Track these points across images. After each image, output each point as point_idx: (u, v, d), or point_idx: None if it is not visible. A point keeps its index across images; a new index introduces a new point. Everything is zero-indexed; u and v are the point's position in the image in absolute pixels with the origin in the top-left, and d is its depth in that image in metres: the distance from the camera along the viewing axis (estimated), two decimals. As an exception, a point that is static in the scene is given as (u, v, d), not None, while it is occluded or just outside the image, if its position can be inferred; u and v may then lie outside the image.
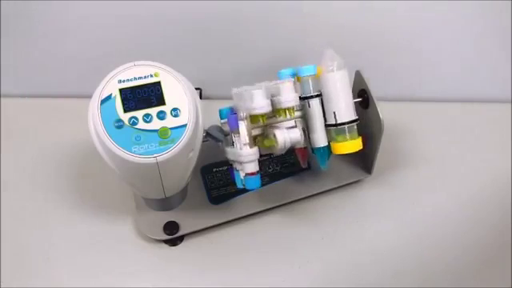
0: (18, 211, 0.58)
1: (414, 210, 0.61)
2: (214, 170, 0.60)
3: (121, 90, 0.45)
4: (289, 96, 0.50)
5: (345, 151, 0.52)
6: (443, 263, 0.55)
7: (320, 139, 0.53)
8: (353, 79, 0.57)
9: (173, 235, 0.54)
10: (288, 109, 0.50)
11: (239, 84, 0.52)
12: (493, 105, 0.79)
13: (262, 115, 0.49)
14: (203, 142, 0.51)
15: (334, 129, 0.53)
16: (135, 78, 0.46)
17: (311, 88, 0.53)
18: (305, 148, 0.56)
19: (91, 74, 0.49)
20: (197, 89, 0.52)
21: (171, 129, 0.45)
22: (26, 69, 0.74)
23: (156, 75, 0.46)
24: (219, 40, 0.72)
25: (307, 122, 0.54)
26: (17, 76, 0.75)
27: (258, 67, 0.74)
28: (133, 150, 0.44)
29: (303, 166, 0.58)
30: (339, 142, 0.53)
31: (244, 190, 0.58)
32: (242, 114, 0.49)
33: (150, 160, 0.44)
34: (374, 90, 0.55)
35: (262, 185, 0.59)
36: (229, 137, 0.51)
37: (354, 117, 0.53)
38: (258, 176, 0.49)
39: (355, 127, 0.53)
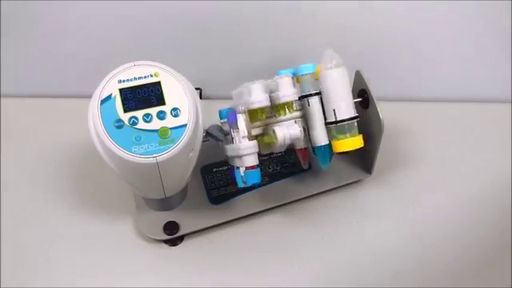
0: (17, 211, 0.58)
1: (414, 210, 0.61)
2: (214, 169, 0.60)
3: (121, 90, 0.45)
4: (287, 91, 0.50)
5: (345, 148, 0.52)
6: (443, 263, 0.55)
7: (320, 138, 0.53)
8: (353, 79, 0.57)
9: (173, 235, 0.54)
10: (287, 104, 0.50)
11: (239, 84, 0.52)
12: (493, 105, 0.79)
13: (261, 111, 0.49)
14: (203, 141, 0.51)
15: (334, 126, 0.53)
16: (135, 78, 0.46)
17: (310, 86, 0.53)
18: (305, 148, 0.56)
19: (91, 74, 0.49)
20: (197, 89, 0.52)
21: (171, 129, 0.45)
22: (26, 69, 0.74)
23: (156, 75, 0.46)
24: (219, 40, 0.72)
25: (307, 121, 0.54)
26: (17, 76, 0.74)
27: (258, 67, 0.74)
28: (133, 149, 0.44)
29: (304, 167, 0.58)
30: (340, 139, 0.52)
31: (244, 190, 0.58)
32: (241, 108, 0.49)
33: (150, 160, 0.44)
34: (374, 90, 0.55)
35: (262, 185, 0.59)
36: (229, 136, 0.51)
37: (353, 114, 0.53)
38: (258, 170, 0.49)
39: (355, 124, 0.53)
